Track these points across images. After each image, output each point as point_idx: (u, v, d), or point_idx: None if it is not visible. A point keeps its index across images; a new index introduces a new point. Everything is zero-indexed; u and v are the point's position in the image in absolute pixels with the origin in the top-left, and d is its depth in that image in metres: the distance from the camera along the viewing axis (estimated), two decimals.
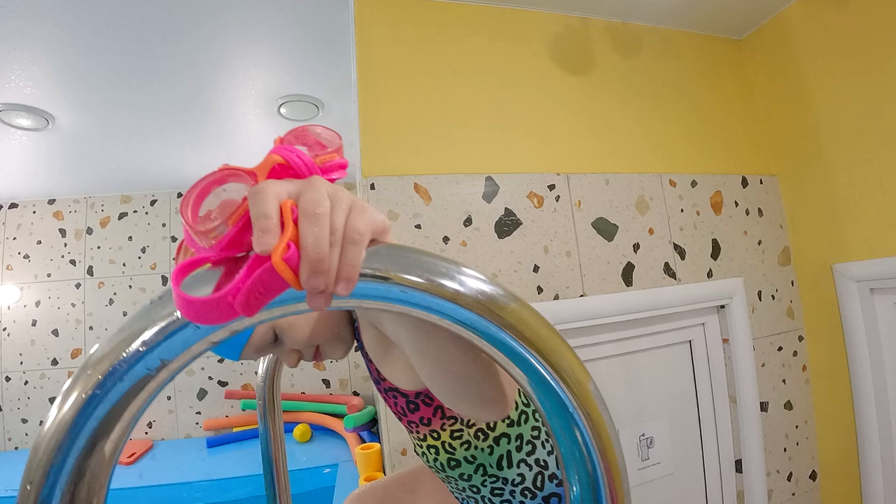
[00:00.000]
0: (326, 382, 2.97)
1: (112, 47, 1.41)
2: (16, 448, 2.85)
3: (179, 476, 2.07)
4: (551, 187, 1.27)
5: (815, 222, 1.50)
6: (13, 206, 3.01)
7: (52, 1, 1.18)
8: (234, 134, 2.20)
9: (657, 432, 1.37)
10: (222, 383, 2.88)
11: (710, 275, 1.41)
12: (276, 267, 0.23)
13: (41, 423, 2.04)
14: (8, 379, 2.88)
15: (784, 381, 1.50)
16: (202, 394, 2.87)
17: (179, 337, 0.25)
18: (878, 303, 1.38)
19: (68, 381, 0.25)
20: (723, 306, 1.44)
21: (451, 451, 0.59)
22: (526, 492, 0.60)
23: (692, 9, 1.49)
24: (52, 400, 2.80)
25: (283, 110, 1.95)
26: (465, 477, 0.61)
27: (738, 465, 1.44)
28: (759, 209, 1.55)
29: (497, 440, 0.58)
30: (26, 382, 2.87)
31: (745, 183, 1.54)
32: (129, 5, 1.24)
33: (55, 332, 2.90)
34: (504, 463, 0.59)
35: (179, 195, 3.06)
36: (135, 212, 3.02)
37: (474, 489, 0.62)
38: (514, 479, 0.60)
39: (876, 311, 1.38)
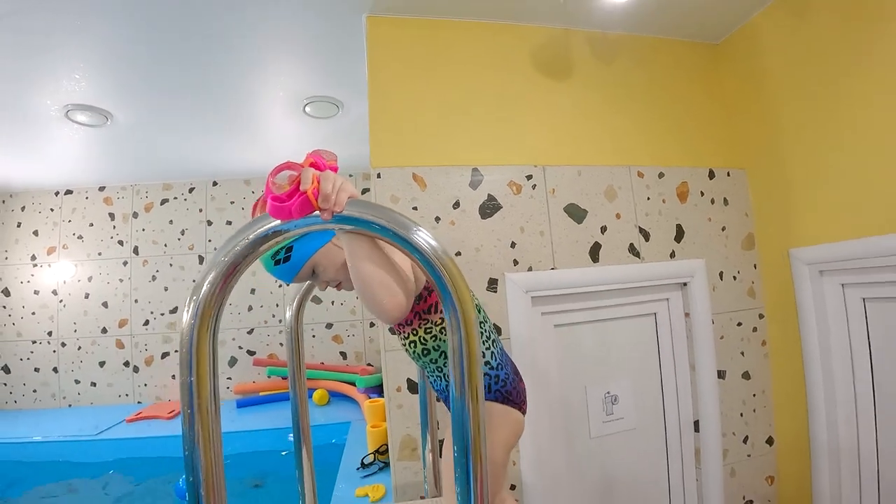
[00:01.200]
0: (343, 354, 3.24)
1: (162, 55, 1.68)
2: (69, 405, 3.22)
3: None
4: (529, 177, 1.49)
5: (777, 211, 1.66)
6: (68, 192, 3.36)
7: (112, 15, 1.44)
8: (264, 130, 2.46)
9: (621, 391, 1.57)
10: (251, 352, 3.19)
11: (672, 255, 1.60)
12: (308, 195, 0.53)
13: (94, 379, 2.36)
14: (63, 345, 3.24)
15: (742, 353, 1.68)
16: (232, 361, 3.18)
17: (273, 227, 0.52)
18: (826, 283, 1.54)
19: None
20: (685, 284, 1.63)
21: (424, 342, 0.89)
22: (441, 377, 0.92)
23: (670, 17, 1.65)
24: (101, 363, 3.17)
25: (307, 109, 2.21)
26: (433, 360, 0.90)
27: (696, 426, 1.63)
28: (725, 199, 1.72)
29: (424, 350, 0.90)
30: (79, 348, 3.23)
31: (711, 175, 1.71)
32: (177, 20, 1.49)
33: (105, 304, 3.25)
34: (432, 363, 0.91)
35: (215, 184, 3.37)
36: (175, 198, 3.34)
37: (439, 369, 0.91)
38: (437, 371, 0.92)
39: (824, 291, 1.54)
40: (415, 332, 0.89)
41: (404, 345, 0.93)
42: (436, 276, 0.55)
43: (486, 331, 0.91)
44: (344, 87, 2.02)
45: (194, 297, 0.51)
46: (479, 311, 0.91)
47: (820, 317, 1.55)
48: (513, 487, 1.40)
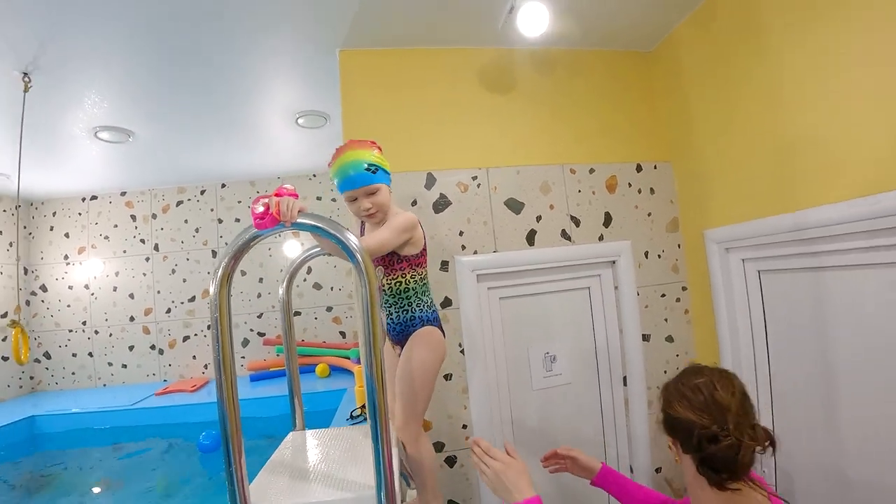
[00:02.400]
0: (343, 333, 3.61)
1: (176, 81, 2.00)
2: (104, 385, 3.64)
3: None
4: (474, 178, 1.80)
5: (695, 198, 1.94)
6: (94, 197, 3.75)
7: (133, 49, 1.77)
8: (264, 139, 2.81)
9: (559, 351, 1.88)
10: (261, 334, 3.57)
11: (601, 238, 1.90)
12: (273, 214, 0.85)
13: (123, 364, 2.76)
14: (97, 332, 3.65)
15: (666, 320, 1.98)
16: (245, 342, 3.57)
17: (254, 234, 0.85)
18: (731, 259, 1.82)
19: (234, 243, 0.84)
20: (614, 262, 1.93)
21: (405, 283, 1.22)
22: (409, 309, 1.23)
23: (605, 31, 1.89)
24: (131, 348, 3.57)
25: (300, 121, 2.54)
26: (389, 303, 1.23)
27: (625, 381, 1.94)
28: (651, 188, 2.00)
29: (405, 286, 1.22)
30: (110, 335, 3.64)
31: (639, 168, 2.00)
32: (188, 52, 1.79)
33: (131, 296, 3.65)
34: (405, 299, 1.23)
35: (223, 186, 3.73)
36: (188, 200, 3.72)
37: (391, 311, 1.23)
38: (406, 306, 1.23)
39: (730, 266, 1.82)
40: (403, 275, 1.23)
41: (390, 283, 1.24)
42: (354, 261, 0.87)
43: (428, 290, 1.27)
44: (329, 102, 2.33)
45: (217, 271, 0.82)
46: (425, 280, 1.26)
47: (727, 287, 1.83)
48: (464, 427, 1.73)
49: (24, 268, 3.70)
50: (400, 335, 1.24)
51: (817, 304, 1.50)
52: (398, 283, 1.22)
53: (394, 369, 1.26)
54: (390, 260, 1.21)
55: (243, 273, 3.67)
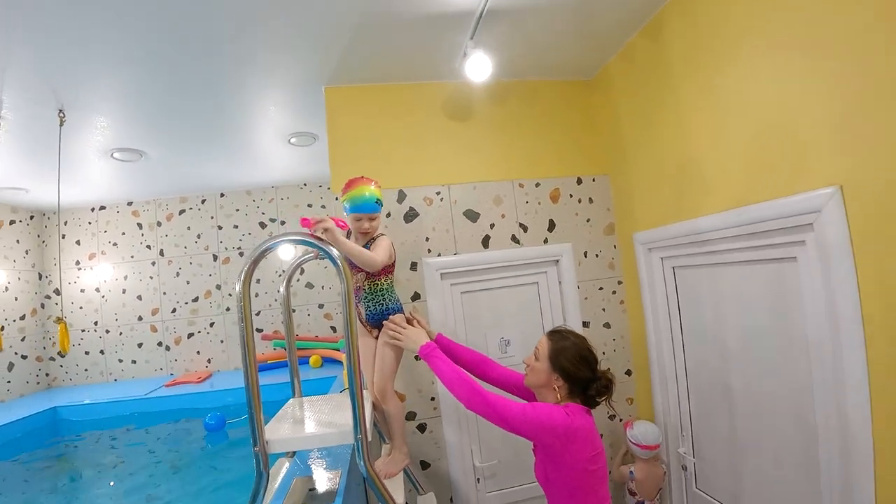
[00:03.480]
0: (333, 328, 3.96)
1: (183, 106, 2.31)
2: (115, 380, 3.97)
3: (232, 384, 3.11)
4: (438, 193, 2.17)
5: (627, 205, 2.32)
6: (102, 207, 4.08)
7: (144, 81, 2.10)
8: (260, 155, 3.16)
9: (513, 337, 2.25)
10: (258, 330, 3.91)
11: (546, 241, 2.28)
12: (310, 228, 1.31)
13: (131, 362, 3.13)
14: (108, 331, 3.98)
15: (603, 309, 2.36)
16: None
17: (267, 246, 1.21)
18: (652, 258, 2.19)
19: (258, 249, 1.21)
20: (557, 261, 2.31)
21: (378, 285, 1.61)
22: (382, 303, 1.61)
23: (552, 63, 2.23)
24: (139, 345, 3.91)
25: (292, 140, 2.89)
26: (367, 300, 1.60)
27: None
28: (591, 198, 2.38)
29: (380, 287, 1.60)
30: (121, 333, 3.98)
31: (579, 181, 2.37)
32: (193, 84, 2.11)
33: (139, 297, 3.99)
34: (380, 296, 1.61)
35: (222, 195, 4.07)
36: (190, 209, 4.06)
37: (369, 305, 1.60)
38: (380, 300, 1.60)
39: (651, 263, 2.20)
40: (379, 280, 1.63)
41: (369, 285, 1.64)
42: (335, 265, 1.23)
43: (394, 289, 1.67)
44: (317, 125, 2.67)
45: (241, 272, 1.17)
46: (392, 282, 1.64)
47: (650, 281, 2.21)
48: (432, 399, 2.10)
49: (39, 273, 4.01)
50: (377, 322, 1.65)
51: (713, 293, 1.89)
52: (376, 285, 1.64)
53: (369, 347, 1.65)
54: (382, 272, 1.64)
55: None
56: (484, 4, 1.68)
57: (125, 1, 1.46)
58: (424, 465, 2.11)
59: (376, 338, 1.67)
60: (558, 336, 1.46)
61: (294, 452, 1.67)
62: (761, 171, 1.49)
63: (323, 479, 1.44)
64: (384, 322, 1.63)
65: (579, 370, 1.37)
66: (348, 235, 1.71)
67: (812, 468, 1.48)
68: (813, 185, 1.32)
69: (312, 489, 1.37)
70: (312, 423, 1.34)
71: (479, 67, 1.85)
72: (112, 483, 2.33)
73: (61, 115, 2.13)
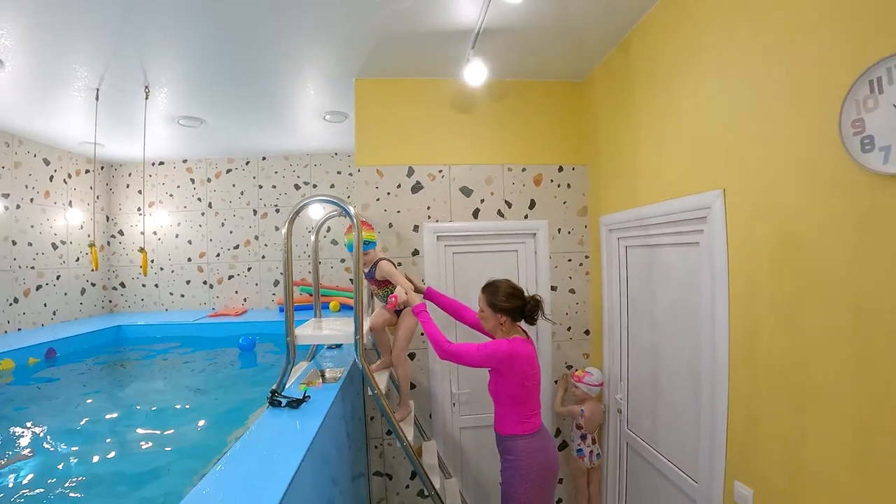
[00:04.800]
0: (351, 280, 4.55)
1: (238, 86, 2.85)
2: (166, 309, 4.68)
3: (265, 318, 3.75)
4: (440, 171, 2.66)
5: (597, 192, 2.76)
6: (161, 163, 4.71)
7: (209, 66, 2.63)
8: (298, 127, 3.70)
9: None
10: None
11: (526, 217, 2.76)
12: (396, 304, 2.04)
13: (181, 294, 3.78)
14: (161, 269, 4.67)
15: (570, 277, 2.84)
16: (275, 283, 4.55)
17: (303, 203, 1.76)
18: (612, 237, 2.65)
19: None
20: (534, 234, 2.79)
21: (381, 294, 2.17)
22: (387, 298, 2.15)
23: (549, 66, 2.64)
24: (188, 282, 4.58)
25: (326, 117, 3.41)
26: (380, 297, 2.19)
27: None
28: (569, 184, 2.83)
29: (386, 291, 2.18)
30: (172, 271, 4.66)
31: (560, 169, 2.83)
32: (248, 68, 2.63)
33: (189, 242, 4.65)
34: (387, 293, 2.17)
35: (264, 158, 4.65)
36: (236, 169, 4.66)
37: (381, 299, 2.18)
38: (386, 297, 2.16)
39: (611, 242, 2.66)
40: (386, 287, 2.17)
41: (381, 292, 2.21)
42: (352, 221, 1.75)
43: (393, 288, 2.18)
44: (347, 106, 3.17)
45: (290, 219, 1.71)
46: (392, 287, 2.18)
47: (609, 257, 2.67)
48: (422, 334, 2.65)
49: (107, 216, 4.71)
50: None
51: (650, 268, 2.34)
52: (384, 290, 2.21)
53: (381, 313, 2.24)
54: (384, 282, 2.18)
55: (276, 228, 4.64)
56: (480, 24, 2.13)
57: (196, 10, 1.98)
58: (413, 385, 2.68)
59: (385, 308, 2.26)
60: (489, 287, 1.97)
61: (312, 357, 2.25)
62: (681, 172, 1.93)
63: (331, 372, 2.01)
64: (395, 294, 2.10)
65: (512, 302, 1.89)
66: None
67: (696, 403, 1.96)
68: (709, 187, 1.76)
69: (323, 375, 1.94)
70: (327, 329, 1.91)
71: (475, 74, 2.31)
72: (160, 383, 2.98)
73: (147, 90, 2.69)
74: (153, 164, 4.69)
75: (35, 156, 3.84)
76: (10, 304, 3.57)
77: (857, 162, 1.14)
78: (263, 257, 4.67)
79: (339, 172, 4.72)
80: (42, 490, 1.62)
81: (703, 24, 1.73)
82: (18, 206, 3.67)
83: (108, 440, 2.08)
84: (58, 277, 4.04)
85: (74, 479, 1.70)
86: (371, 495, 2.74)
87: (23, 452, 1.90)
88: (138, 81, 2.63)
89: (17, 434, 2.08)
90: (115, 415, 2.38)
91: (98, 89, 2.73)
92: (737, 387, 1.64)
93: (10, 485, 1.63)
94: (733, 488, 1.66)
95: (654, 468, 2.28)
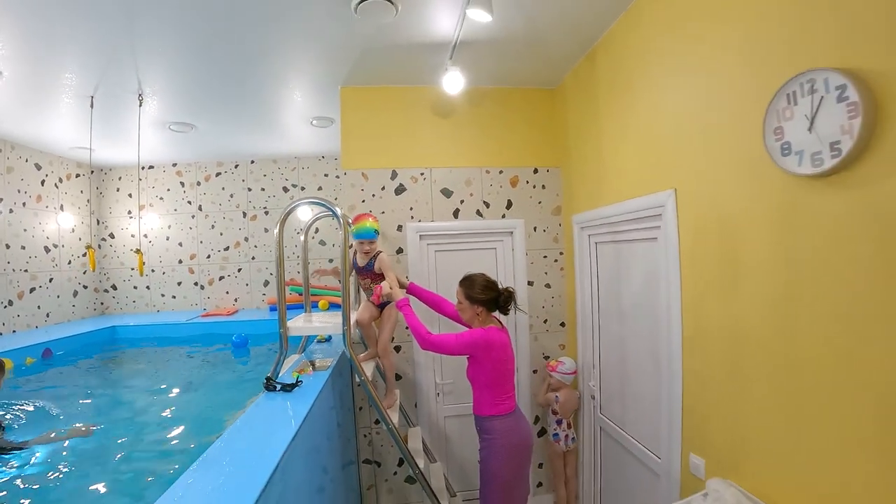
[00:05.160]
0: (339, 280, 4.69)
1: (228, 92, 2.98)
2: (157, 311, 4.77)
3: (256, 317, 3.87)
4: (422, 174, 2.83)
5: (571, 192, 2.94)
6: (151, 167, 4.80)
7: (200, 74, 2.76)
8: (286, 132, 3.83)
9: None
10: None
11: (503, 216, 2.93)
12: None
13: (174, 296, 3.92)
14: (153, 270, 4.77)
15: (546, 273, 3.02)
16: (266, 283, 4.68)
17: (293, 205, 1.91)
18: (583, 234, 2.83)
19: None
20: (511, 233, 2.96)
21: (372, 285, 2.30)
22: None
23: (524, 74, 2.82)
24: (179, 283, 4.69)
25: (313, 122, 3.55)
26: (368, 287, 2.32)
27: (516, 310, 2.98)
28: (543, 185, 3.01)
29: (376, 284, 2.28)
30: (163, 273, 4.76)
31: (535, 171, 3.00)
32: (238, 77, 2.78)
33: (180, 244, 4.75)
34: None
35: (252, 162, 4.77)
36: (225, 172, 4.77)
37: (367, 290, 2.31)
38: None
39: (582, 239, 2.84)
40: (377, 280, 2.29)
41: (363, 286, 2.37)
42: (339, 221, 1.91)
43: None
44: (333, 111, 3.31)
45: (281, 220, 1.86)
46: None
47: (580, 252, 2.85)
48: (406, 328, 2.80)
49: (97, 219, 4.79)
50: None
51: (617, 263, 2.52)
52: (370, 284, 2.34)
53: (368, 308, 2.39)
54: (378, 276, 2.31)
55: (266, 230, 4.76)
56: (456, 38, 2.30)
57: (189, 22, 2.12)
58: (398, 376, 2.84)
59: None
60: (466, 281, 2.13)
61: (303, 350, 2.40)
62: (639, 173, 2.12)
63: (321, 362, 2.16)
64: (380, 286, 2.26)
65: (487, 294, 2.06)
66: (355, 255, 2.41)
67: (657, 387, 2.14)
68: (662, 187, 1.95)
69: (314, 365, 2.09)
70: (317, 321, 2.06)
71: (453, 83, 2.47)
72: (158, 377, 3.09)
73: (140, 98, 2.81)
74: (143, 167, 4.78)
75: (27, 161, 3.92)
76: (5, 307, 3.65)
77: (778, 165, 1.32)
78: (253, 258, 4.78)
79: (325, 175, 4.85)
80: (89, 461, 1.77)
81: (655, 41, 1.92)
82: (11, 211, 3.75)
83: (118, 425, 2.21)
84: (50, 280, 4.12)
85: (93, 457, 1.85)
86: (361, 482, 2.89)
87: (80, 427, 2.05)
88: (132, 89, 2.75)
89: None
90: (119, 404, 2.51)
91: (93, 97, 2.84)
92: (690, 368, 1.82)
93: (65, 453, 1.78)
94: (689, 461, 1.84)
95: (625, 448, 2.46)
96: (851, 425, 1.15)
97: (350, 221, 2.31)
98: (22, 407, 2.34)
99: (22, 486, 1.60)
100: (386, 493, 2.92)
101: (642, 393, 2.29)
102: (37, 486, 1.62)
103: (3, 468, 1.67)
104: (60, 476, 1.68)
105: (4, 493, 1.54)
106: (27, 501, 1.53)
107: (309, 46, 2.38)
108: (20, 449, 1.76)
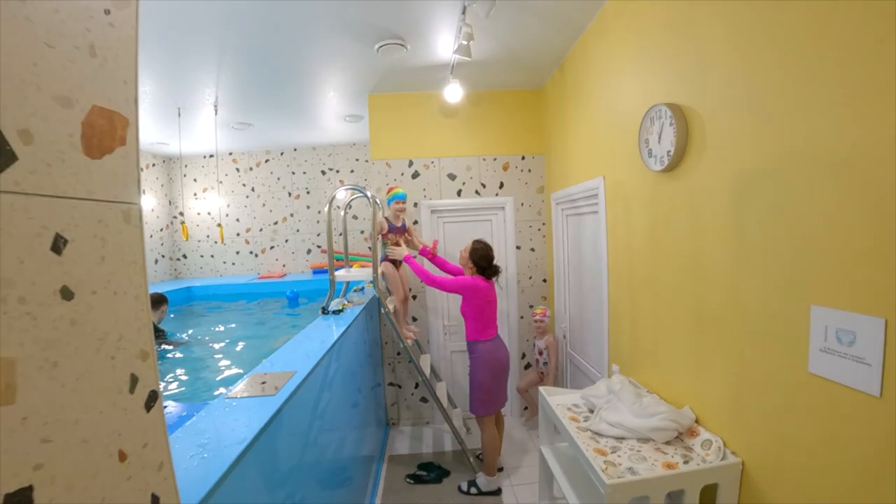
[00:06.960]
0: (370, 248, 5.58)
1: (278, 98, 3.84)
2: (220, 275, 5.77)
3: (302, 278, 4.81)
4: (432, 162, 3.62)
5: (551, 175, 3.69)
6: (211, 156, 5.72)
7: (258, 87, 3.62)
8: (323, 125, 4.66)
9: None
10: (318, 246, 5.59)
11: (497, 195, 3.71)
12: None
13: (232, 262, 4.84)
14: (216, 242, 5.74)
15: (531, 239, 3.80)
16: (308, 252, 5.61)
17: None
18: (559, 209, 3.58)
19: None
20: (503, 208, 3.74)
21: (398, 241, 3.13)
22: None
23: (515, 78, 3.57)
24: (237, 252, 5.66)
25: (346, 118, 4.37)
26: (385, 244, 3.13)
27: (505, 269, 3.79)
28: (529, 169, 3.76)
29: (405, 241, 3.13)
30: (225, 244, 5.73)
31: (523, 157, 3.76)
32: (285, 85, 3.63)
33: (237, 220, 5.71)
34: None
35: (295, 150, 5.65)
36: (273, 159, 5.67)
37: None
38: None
39: (558, 213, 3.60)
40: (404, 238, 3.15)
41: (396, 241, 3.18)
42: (369, 201, 2.74)
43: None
44: (362, 110, 4.12)
45: (331, 200, 2.71)
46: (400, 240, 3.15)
47: (556, 223, 3.61)
48: (414, 294, 3.65)
49: (169, 200, 5.78)
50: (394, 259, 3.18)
51: (577, 230, 3.28)
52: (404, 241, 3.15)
53: (387, 264, 3.20)
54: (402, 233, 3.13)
55: (308, 207, 5.67)
56: (453, 62, 3.06)
57: (250, 46, 2.95)
58: (414, 318, 3.71)
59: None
60: (477, 243, 2.91)
61: (344, 295, 3.29)
62: (587, 161, 2.86)
63: (357, 301, 3.03)
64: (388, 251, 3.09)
65: (482, 262, 2.84)
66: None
67: (599, 321, 2.92)
68: (598, 174, 2.69)
69: (352, 302, 2.96)
70: (354, 272, 2.93)
71: (453, 94, 3.23)
72: (230, 322, 4.06)
73: (215, 107, 3.69)
74: (204, 156, 5.73)
75: None
76: None
77: (646, 164, 2.07)
78: (298, 230, 5.72)
79: (357, 160, 5.69)
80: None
81: (594, 62, 2.64)
82: None
83: (204, 355, 3.17)
84: None
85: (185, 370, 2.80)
86: (386, 399, 3.80)
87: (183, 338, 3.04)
88: (210, 101, 3.63)
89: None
90: (203, 338, 3.49)
91: (180, 108, 3.73)
92: (613, 307, 2.60)
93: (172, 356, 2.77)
94: (611, 369, 2.64)
95: (583, 373, 3.27)
96: (682, 330, 1.93)
97: (387, 192, 3.15)
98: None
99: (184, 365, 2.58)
100: (405, 409, 3.84)
101: (592, 328, 3.08)
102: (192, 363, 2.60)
103: (172, 356, 2.65)
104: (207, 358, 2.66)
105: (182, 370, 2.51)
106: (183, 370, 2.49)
107: (344, 67, 3.18)
108: (182, 344, 2.73)
